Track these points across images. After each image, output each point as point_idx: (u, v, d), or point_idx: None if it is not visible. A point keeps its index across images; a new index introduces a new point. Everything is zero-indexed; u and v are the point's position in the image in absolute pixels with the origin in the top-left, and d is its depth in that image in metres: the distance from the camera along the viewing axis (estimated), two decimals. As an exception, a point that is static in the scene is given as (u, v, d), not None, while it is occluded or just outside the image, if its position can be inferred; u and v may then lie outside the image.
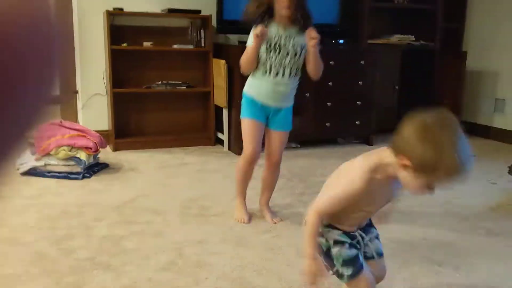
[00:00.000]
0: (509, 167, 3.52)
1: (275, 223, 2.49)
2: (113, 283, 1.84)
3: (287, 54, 2.32)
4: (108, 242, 2.21)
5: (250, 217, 2.53)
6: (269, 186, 2.58)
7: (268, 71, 2.33)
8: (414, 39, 4.68)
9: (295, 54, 2.33)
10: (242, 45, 3.82)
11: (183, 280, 1.87)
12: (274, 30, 2.30)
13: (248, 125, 2.39)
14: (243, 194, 2.56)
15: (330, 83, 4.08)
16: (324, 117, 4.16)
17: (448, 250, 2.21)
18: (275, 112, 2.41)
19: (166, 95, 4.20)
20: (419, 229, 2.47)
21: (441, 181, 1.22)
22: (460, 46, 4.99)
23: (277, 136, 2.46)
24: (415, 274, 1.98)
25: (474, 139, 4.70)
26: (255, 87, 2.37)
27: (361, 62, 4.19)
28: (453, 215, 2.67)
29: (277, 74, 2.33)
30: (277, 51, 2.31)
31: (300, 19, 2.29)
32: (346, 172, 1.42)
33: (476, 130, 4.86)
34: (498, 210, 2.77)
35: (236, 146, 3.95)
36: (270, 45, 2.30)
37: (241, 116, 2.44)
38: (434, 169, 1.20)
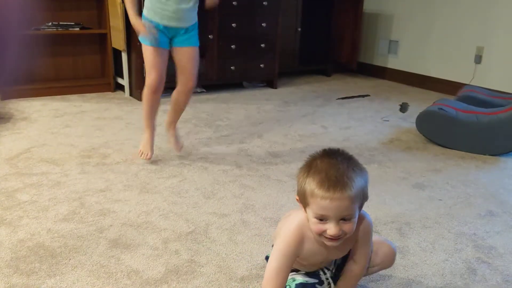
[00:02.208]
0: (400, 105, 3.78)
1: (180, 150, 2.55)
2: (9, 238, 1.74)
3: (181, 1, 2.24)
4: (1, 196, 2.06)
5: (152, 154, 2.48)
6: (179, 107, 2.51)
7: None
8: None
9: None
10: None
11: (86, 229, 1.82)
12: None
13: (149, 52, 2.28)
14: (150, 127, 2.47)
15: (233, 25, 4.02)
16: (228, 61, 4.12)
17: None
18: (179, 31, 2.32)
19: (58, 38, 3.89)
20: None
21: (317, 206, 1.11)
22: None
23: (185, 52, 2.36)
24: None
25: (370, 80, 4.96)
26: (157, 9, 2.24)
27: (263, 3, 4.15)
28: (350, 150, 2.83)
29: None
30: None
31: None
32: (281, 230, 1.29)
33: (372, 71, 5.12)
34: (389, 145, 2.98)
35: (137, 91, 3.81)
36: None
37: (141, 40, 2.31)
38: (304, 193, 1.14)
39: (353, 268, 1.32)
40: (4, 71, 0.30)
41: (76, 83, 3.98)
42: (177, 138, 2.60)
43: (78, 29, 3.83)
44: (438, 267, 1.67)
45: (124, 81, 3.92)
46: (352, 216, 1.14)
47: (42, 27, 3.72)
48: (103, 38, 3.99)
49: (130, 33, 3.68)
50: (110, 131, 3.03)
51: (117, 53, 3.94)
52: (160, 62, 2.31)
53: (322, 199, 1.10)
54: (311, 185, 1.12)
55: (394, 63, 4.93)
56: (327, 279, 1.36)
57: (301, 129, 3.23)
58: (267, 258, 1.36)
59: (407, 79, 4.77)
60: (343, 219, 1.14)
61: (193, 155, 2.65)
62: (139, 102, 3.76)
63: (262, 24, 4.19)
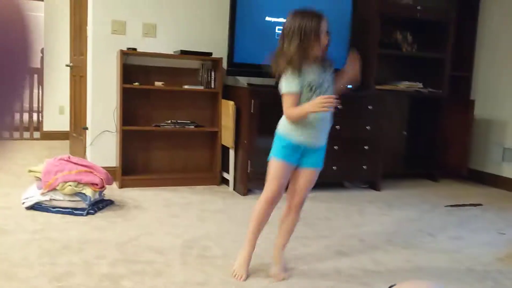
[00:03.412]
0: (518, 217, 3.47)
1: (281, 279, 2.33)
2: (110, 324, 1.80)
3: (326, 90, 2.27)
4: (107, 281, 2.18)
5: (248, 275, 2.35)
6: (288, 230, 2.42)
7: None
8: (422, 86, 4.73)
9: (330, 88, 2.30)
10: (251, 87, 3.90)
11: (181, 323, 1.83)
12: (312, 71, 2.26)
13: (278, 166, 2.28)
14: (253, 244, 2.37)
15: (337, 127, 4.10)
16: (331, 160, 4.15)
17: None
18: (310, 150, 2.32)
19: (174, 134, 4.24)
20: (427, 278, 2.41)
21: None
22: (468, 94, 5.02)
23: (307, 174, 2.34)
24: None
25: (481, 188, 4.66)
26: (297, 131, 2.26)
27: (369, 107, 4.22)
28: (460, 265, 2.61)
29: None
30: (318, 91, 2.24)
31: (326, 56, 2.33)
32: None
33: (484, 179, 4.82)
34: (507, 261, 2.70)
35: (241, 186, 3.95)
36: (311, 88, 2.24)
37: (271, 155, 2.32)
38: None
39: None
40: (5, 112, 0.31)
41: (186, 175, 4.23)
42: (282, 267, 2.42)
43: (193, 126, 4.15)
44: None
45: (230, 176, 4.10)
46: None
47: (161, 124, 4.09)
48: (214, 136, 4.27)
49: (239, 132, 3.91)
50: (213, 223, 3.13)
51: (225, 150, 4.17)
52: (284, 177, 2.30)
53: None
54: None
55: (509, 171, 4.61)
56: None
57: (406, 235, 3.07)
58: None
59: (525, 189, 4.41)
60: None
61: (289, 253, 2.61)
62: (241, 196, 3.88)
63: (367, 127, 4.22)
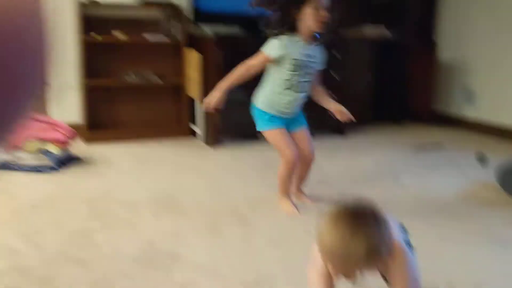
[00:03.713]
0: (477, 157, 3.59)
1: (312, 202, 2.59)
2: (85, 277, 1.81)
3: (310, 73, 2.41)
4: (79, 236, 2.17)
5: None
6: (303, 177, 2.64)
7: (290, 88, 2.38)
8: (386, 30, 4.72)
9: (315, 71, 2.44)
10: (217, 36, 3.81)
11: (156, 272, 1.86)
12: (300, 48, 2.33)
13: (275, 135, 2.43)
14: (288, 194, 2.56)
15: (304, 75, 4.09)
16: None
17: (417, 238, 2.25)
18: (289, 119, 2.49)
19: (139, 87, 4.15)
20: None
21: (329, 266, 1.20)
22: (431, 37, 5.06)
23: (300, 134, 2.53)
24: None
25: (446, 130, 4.79)
26: (274, 105, 2.41)
27: (334, 54, 4.20)
28: (424, 204, 2.71)
29: (299, 91, 2.40)
30: (302, 70, 2.36)
31: (325, 34, 2.37)
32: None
33: (447, 121, 4.95)
34: (468, 198, 2.82)
35: (211, 139, 3.93)
36: (295, 66, 2.34)
37: (262, 129, 2.47)
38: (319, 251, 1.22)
39: None
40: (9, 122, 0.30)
41: (154, 129, 4.18)
42: (306, 196, 2.67)
43: (157, 79, 4.06)
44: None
45: (198, 128, 4.07)
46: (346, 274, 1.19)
47: (125, 77, 3.98)
48: (180, 88, 4.19)
49: (205, 83, 3.85)
50: (183, 176, 3.13)
51: (192, 102, 4.12)
52: (287, 138, 2.44)
53: (330, 262, 1.19)
54: (319, 247, 1.18)
55: (471, 112, 4.75)
56: None
57: (371, 179, 3.15)
58: None
59: (485, 130, 4.56)
60: None
61: (260, 203, 2.66)
62: (211, 148, 3.88)
63: (334, 75, 4.22)
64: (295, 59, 2.33)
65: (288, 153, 2.42)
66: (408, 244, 1.36)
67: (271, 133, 2.45)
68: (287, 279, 1.83)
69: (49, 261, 1.93)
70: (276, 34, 2.33)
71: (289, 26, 2.32)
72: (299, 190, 2.68)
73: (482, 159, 3.54)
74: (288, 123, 2.49)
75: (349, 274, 1.19)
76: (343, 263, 1.16)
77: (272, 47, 2.32)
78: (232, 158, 3.61)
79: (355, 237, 1.15)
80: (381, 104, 4.96)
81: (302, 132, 2.55)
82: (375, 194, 2.85)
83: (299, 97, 2.45)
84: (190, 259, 1.98)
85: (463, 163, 3.56)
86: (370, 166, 3.46)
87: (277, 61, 2.34)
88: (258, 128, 2.50)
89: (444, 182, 3.12)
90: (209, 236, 2.22)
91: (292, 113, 2.47)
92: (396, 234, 1.25)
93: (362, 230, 1.17)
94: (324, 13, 2.29)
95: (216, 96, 2.39)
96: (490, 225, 2.42)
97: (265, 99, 2.44)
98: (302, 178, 2.66)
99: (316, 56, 2.43)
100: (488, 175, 3.22)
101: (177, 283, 1.78)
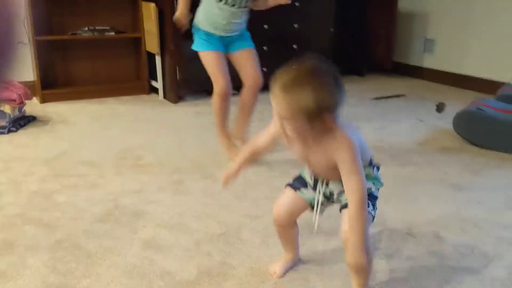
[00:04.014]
0: (436, 105, 3.68)
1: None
2: (47, 238, 1.78)
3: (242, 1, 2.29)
4: (39, 197, 2.12)
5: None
6: (248, 113, 2.51)
7: (225, 2, 2.26)
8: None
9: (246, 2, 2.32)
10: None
11: (121, 230, 1.85)
12: None
13: (211, 58, 2.31)
14: (226, 134, 2.49)
15: (265, 26, 4.02)
16: (260, 62, 4.11)
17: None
18: (232, 38, 2.37)
19: (95, 42, 3.98)
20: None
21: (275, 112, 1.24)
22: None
23: (245, 54, 2.41)
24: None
25: (405, 79, 4.86)
26: (210, 20, 2.30)
27: (296, 4, 4.13)
28: (384, 152, 2.77)
29: (235, 4, 2.29)
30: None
31: None
32: None
33: (407, 70, 5.01)
34: (426, 145, 2.91)
35: (171, 94, 3.86)
36: None
37: (197, 49, 2.35)
38: None
39: (349, 205, 1.28)
40: None
41: (112, 86, 4.06)
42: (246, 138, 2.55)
43: (113, 33, 3.90)
44: (477, 273, 1.61)
45: (158, 84, 3.97)
46: (290, 121, 1.20)
47: (78, 32, 3.81)
48: (138, 42, 4.05)
49: (163, 36, 3.73)
50: (144, 133, 3.08)
51: (151, 57, 4.00)
52: (223, 65, 2.34)
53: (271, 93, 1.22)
54: (272, 88, 1.23)
55: (430, 62, 4.81)
56: (319, 191, 1.41)
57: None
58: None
59: (443, 79, 4.65)
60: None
61: (223, 156, 2.65)
62: (172, 104, 3.81)
63: (294, 25, 4.17)
64: None
65: (220, 81, 2.33)
66: (372, 164, 1.43)
67: (206, 55, 2.34)
68: (252, 229, 1.86)
69: (9, 224, 1.88)
70: None
71: None
72: (242, 136, 2.54)
73: (440, 107, 3.63)
74: (228, 44, 2.37)
75: (293, 120, 1.20)
76: (290, 102, 1.17)
77: None
78: (193, 113, 3.57)
79: (307, 79, 1.19)
80: (342, 55, 4.95)
81: (246, 52, 2.41)
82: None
83: (237, 13, 2.32)
84: (155, 216, 1.97)
85: (422, 111, 3.64)
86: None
87: None
88: (193, 47, 2.38)
89: (402, 129, 3.19)
90: (173, 192, 2.21)
91: (232, 30, 2.34)
92: (349, 130, 1.28)
93: (316, 78, 1.21)
94: None
95: (182, 18, 2.32)
96: (447, 171, 2.51)
97: (202, 15, 2.33)
98: (245, 116, 2.53)
99: None
100: (446, 123, 3.31)
101: (143, 240, 1.78)
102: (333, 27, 4.81)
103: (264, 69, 4.09)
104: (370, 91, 4.33)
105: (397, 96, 4.13)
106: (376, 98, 4.05)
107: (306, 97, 1.16)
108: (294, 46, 4.21)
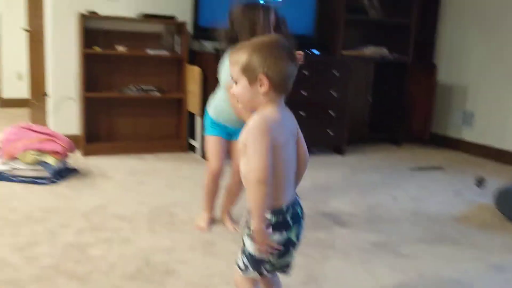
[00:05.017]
0: (476, 179, 3.60)
1: (237, 230, 2.48)
2: (78, 292, 1.79)
3: None
4: (73, 250, 2.16)
5: (211, 224, 2.55)
6: (234, 195, 2.59)
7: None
8: (387, 51, 4.76)
9: None
10: (217, 51, 3.83)
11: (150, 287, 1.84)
12: None
13: (211, 141, 2.45)
14: (209, 209, 2.57)
15: (304, 93, 4.11)
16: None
17: (413, 261, 2.24)
18: (237, 129, 2.43)
19: (139, 101, 4.16)
20: (385, 237, 2.49)
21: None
22: (431, 60, 5.10)
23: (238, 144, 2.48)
24: (379, 273, 1.99)
25: (442, 151, 4.80)
26: (219, 111, 2.43)
27: (334, 72, 4.23)
28: (420, 223, 2.70)
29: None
30: None
31: None
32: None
33: (445, 142, 4.97)
34: (463, 221, 2.82)
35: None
36: None
37: (205, 133, 2.50)
38: None
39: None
40: None
41: (152, 143, 4.18)
42: (232, 221, 2.60)
43: (157, 93, 4.07)
44: None
45: (197, 143, 4.07)
46: (236, 79, 1.33)
47: (125, 90, 3.99)
48: (180, 102, 4.21)
49: (205, 98, 3.86)
50: (180, 190, 3.12)
51: (191, 117, 4.13)
52: (221, 150, 2.45)
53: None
54: None
55: (469, 134, 4.76)
56: None
57: (369, 198, 3.15)
58: None
59: (482, 152, 4.57)
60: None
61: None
62: (209, 163, 3.87)
63: (333, 93, 4.25)
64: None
65: (213, 163, 2.44)
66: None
67: (208, 139, 2.47)
68: None
69: (42, 275, 1.91)
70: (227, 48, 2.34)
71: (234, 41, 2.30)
72: (226, 212, 2.63)
73: (480, 182, 3.55)
74: (232, 134, 2.47)
75: (239, 79, 1.31)
76: (233, 57, 1.31)
77: (225, 72, 2.34)
78: (229, 173, 3.60)
79: (253, 43, 1.31)
80: (379, 124, 4.97)
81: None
82: (368, 209, 2.84)
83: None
84: (185, 275, 1.96)
85: (460, 185, 3.56)
86: (363, 182, 3.46)
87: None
88: (205, 133, 2.53)
89: (439, 203, 3.12)
90: (204, 252, 2.21)
91: (238, 123, 2.39)
92: (280, 114, 1.41)
93: (262, 44, 1.31)
94: (267, 29, 2.31)
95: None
96: (486, 248, 2.41)
97: (214, 105, 2.46)
98: (231, 197, 2.61)
99: None
100: (486, 198, 3.22)
101: (171, 301, 1.76)
102: (371, 95, 4.87)
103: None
104: (407, 161, 4.29)
105: (435, 168, 4.07)
106: (413, 169, 4.00)
107: (244, 54, 1.29)
108: (331, 113, 4.26)
